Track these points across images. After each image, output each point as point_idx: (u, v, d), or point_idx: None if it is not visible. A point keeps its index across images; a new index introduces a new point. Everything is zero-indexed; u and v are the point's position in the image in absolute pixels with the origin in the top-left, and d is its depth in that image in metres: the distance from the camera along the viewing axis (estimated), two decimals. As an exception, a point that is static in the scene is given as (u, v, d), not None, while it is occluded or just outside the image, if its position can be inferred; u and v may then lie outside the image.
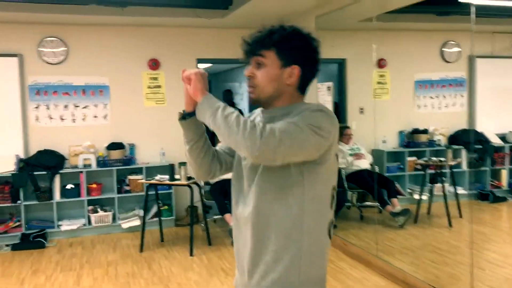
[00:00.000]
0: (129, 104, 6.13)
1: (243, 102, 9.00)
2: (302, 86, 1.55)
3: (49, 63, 5.83)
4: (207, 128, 1.59)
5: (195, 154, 1.64)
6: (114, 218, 5.84)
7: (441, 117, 6.41)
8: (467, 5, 5.04)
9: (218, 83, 10.93)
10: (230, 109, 1.42)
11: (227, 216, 5.31)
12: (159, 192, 5.68)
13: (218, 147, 1.74)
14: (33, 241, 5.32)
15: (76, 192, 5.69)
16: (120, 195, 5.86)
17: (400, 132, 6.29)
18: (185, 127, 1.63)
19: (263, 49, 1.49)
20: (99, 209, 5.78)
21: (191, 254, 4.85)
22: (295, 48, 1.50)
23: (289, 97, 1.53)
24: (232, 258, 4.76)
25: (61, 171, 5.63)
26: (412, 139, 6.23)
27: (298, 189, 1.46)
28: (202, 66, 7.48)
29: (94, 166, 5.76)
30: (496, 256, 4.54)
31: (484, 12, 5.13)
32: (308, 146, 1.38)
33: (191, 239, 4.91)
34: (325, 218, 1.53)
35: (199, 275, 4.28)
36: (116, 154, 5.88)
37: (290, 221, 1.46)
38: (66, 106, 5.89)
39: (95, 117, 6.00)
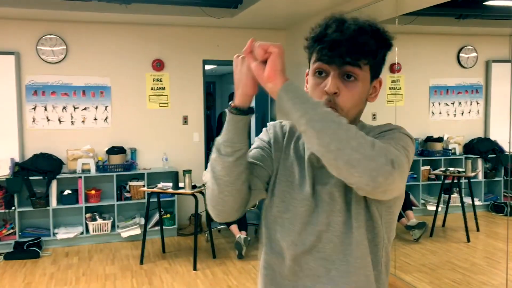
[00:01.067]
0: (131, 106, 5.83)
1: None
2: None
3: (47, 62, 5.53)
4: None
5: (237, 172, 1.12)
6: (113, 227, 5.54)
7: (456, 124, 6.13)
8: (487, 8, 4.76)
9: (223, 85, 10.64)
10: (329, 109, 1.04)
11: (233, 227, 5.01)
12: (161, 199, 5.39)
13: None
14: (27, 250, 5.02)
15: (73, 198, 5.39)
16: (120, 202, 5.57)
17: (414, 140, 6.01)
18: (237, 127, 1.13)
19: (363, 58, 1.12)
20: (97, 217, 5.48)
21: (194, 268, 4.55)
22: (384, 58, 1.19)
23: (360, 115, 1.25)
24: (238, 273, 4.46)
25: (58, 176, 5.34)
26: (426, 148, 5.96)
27: (379, 235, 1.17)
28: (208, 67, 7.20)
29: (93, 171, 5.46)
30: (522, 277, 4.23)
31: (503, 14, 4.87)
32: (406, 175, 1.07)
33: (195, 251, 4.60)
34: (390, 259, 1.26)
35: (204, 293, 3.98)
36: (116, 159, 5.58)
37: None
38: (64, 108, 5.60)
39: (95, 119, 5.70)
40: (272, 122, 1.36)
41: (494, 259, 4.63)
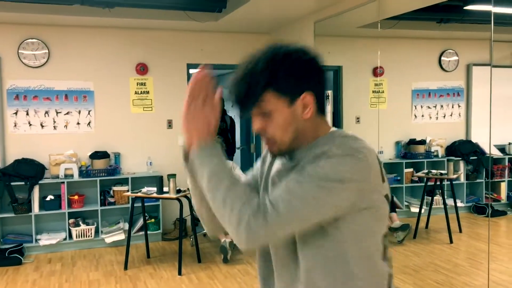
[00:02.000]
0: (115, 110, 5.79)
1: (233, 108, 8.76)
2: (320, 108, 1.24)
3: (29, 66, 5.47)
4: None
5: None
6: (97, 232, 5.49)
7: (439, 127, 6.22)
8: (468, 13, 4.83)
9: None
10: (223, 175, 1.15)
11: (218, 231, 4.99)
12: (146, 204, 5.35)
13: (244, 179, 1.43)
14: (8, 257, 4.94)
15: (56, 204, 5.33)
16: (103, 208, 5.52)
17: (397, 143, 6.09)
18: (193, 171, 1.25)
19: (258, 97, 1.17)
20: (81, 222, 5.42)
21: (179, 273, 4.53)
22: (293, 74, 1.17)
23: (313, 130, 1.23)
24: (223, 277, 4.45)
25: (40, 182, 5.27)
26: (409, 150, 6.03)
27: (338, 250, 1.17)
28: (193, 71, 7.19)
29: (76, 177, 5.40)
30: (504, 277, 4.30)
31: (484, 18, 4.96)
32: (319, 209, 1.11)
33: (179, 256, 4.58)
34: (381, 275, 1.22)
35: (189, 298, 3.96)
36: (100, 164, 5.53)
37: None
38: (47, 112, 5.53)
39: (78, 124, 5.65)
40: None
41: (476, 260, 4.70)
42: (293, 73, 1.17)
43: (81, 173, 5.44)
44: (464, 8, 4.45)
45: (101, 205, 5.50)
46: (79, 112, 5.64)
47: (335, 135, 1.23)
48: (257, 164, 1.43)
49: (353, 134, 1.23)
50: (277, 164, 1.31)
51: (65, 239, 5.36)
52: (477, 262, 4.59)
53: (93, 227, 5.42)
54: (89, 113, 5.68)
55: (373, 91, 5.86)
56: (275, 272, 1.28)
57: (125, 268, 4.71)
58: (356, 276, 1.17)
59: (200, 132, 1.18)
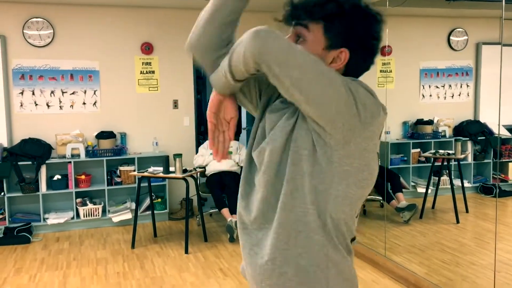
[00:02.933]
0: (120, 90, 5.77)
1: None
2: (351, 72, 1.20)
3: (34, 46, 5.44)
4: None
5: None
6: (104, 211, 5.52)
7: (447, 107, 6.15)
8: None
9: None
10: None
11: (224, 211, 5.01)
12: (152, 184, 5.37)
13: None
14: (17, 235, 4.99)
15: (63, 183, 5.36)
16: (110, 187, 5.54)
17: (404, 123, 6.04)
18: None
19: (309, 20, 1.15)
20: (88, 202, 5.45)
21: (186, 252, 4.56)
22: (349, 27, 1.14)
23: None
24: (229, 256, 4.47)
25: (47, 161, 5.29)
26: (416, 130, 5.98)
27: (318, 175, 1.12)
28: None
29: (82, 156, 5.42)
30: (511, 257, 4.29)
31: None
32: (334, 88, 1.05)
33: (186, 235, 4.61)
34: (349, 230, 1.22)
35: (195, 276, 3.99)
36: (106, 144, 5.54)
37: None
38: (52, 92, 5.52)
39: (84, 104, 5.64)
40: None
41: (483, 239, 4.69)
42: (349, 26, 1.14)
43: (88, 153, 5.46)
44: None
45: (108, 185, 5.52)
46: (85, 92, 5.63)
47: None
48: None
49: None
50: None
51: (72, 218, 5.40)
52: (483, 242, 4.58)
53: (100, 207, 5.46)
54: (94, 93, 5.66)
55: (381, 71, 5.80)
56: (256, 193, 1.25)
57: (132, 247, 4.74)
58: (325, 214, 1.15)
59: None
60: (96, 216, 5.44)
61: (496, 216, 4.19)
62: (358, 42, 1.16)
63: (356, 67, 1.19)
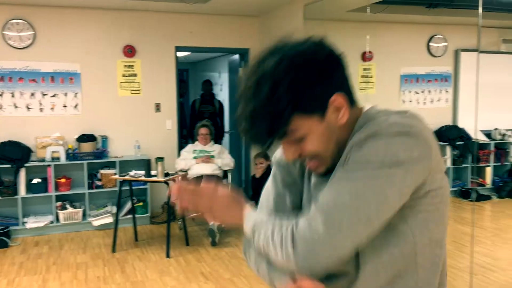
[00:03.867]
0: (102, 93, 5.73)
1: (222, 92, 8.69)
2: (352, 99, 1.04)
3: (14, 48, 5.38)
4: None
5: None
6: (84, 215, 5.47)
7: (426, 112, 6.26)
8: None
9: (196, 72, 10.56)
10: (264, 228, 1.00)
11: (206, 214, 5.01)
12: (134, 187, 5.34)
13: None
14: (-5, 239, 4.91)
15: (43, 186, 5.29)
16: (91, 191, 5.49)
17: (385, 128, 6.12)
18: None
19: (287, 124, 0.97)
20: (68, 206, 5.40)
21: (167, 256, 4.54)
22: (315, 83, 0.97)
23: (349, 129, 1.03)
24: (211, 260, 4.47)
25: (26, 164, 5.22)
26: (397, 135, 6.06)
27: (406, 243, 1.00)
28: (181, 54, 7.12)
29: (63, 159, 5.36)
30: (487, 260, 4.38)
31: (472, 4, 4.96)
32: (380, 206, 0.92)
33: (167, 239, 4.59)
34: (443, 266, 1.09)
35: (177, 280, 3.98)
36: (87, 147, 5.49)
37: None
38: (33, 94, 5.46)
39: (65, 106, 5.59)
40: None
41: (460, 243, 4.77)
42: (314, 82, 0.97)
43: (68, 156, 5.40)
44: None
45: (88, 188, 5.47)
46: (66, 94, 5.58)
47: (373, 113, 1.03)
48: (276, 173, 1.20)
49: (396, 110, 1.04)
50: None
51: (52, 222, 5.33)
52: (461, 245, 4.67)
53: (80, 210, 5.41)
54: (75, 96, 5.61)
55: (362, 76, 5.88)
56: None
57: (113, 251, 4.71)
58: (419, 264, 1.02)
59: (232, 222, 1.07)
60: (76, 220, 5.39)
61: (473, 220, 4.28)
62: (331, 79, 1.01)
63: (348, 88, 1.04)
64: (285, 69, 0.95)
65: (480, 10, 3.40)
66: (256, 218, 1.04)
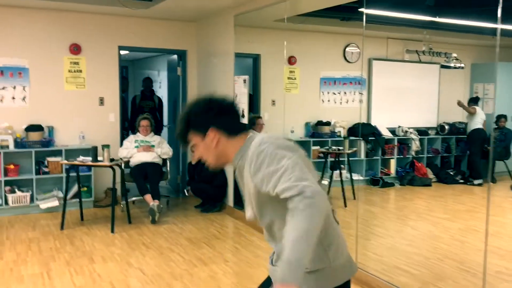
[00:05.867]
0: (49, 87, 6.20)
1: (161, 90, 9.26)
2: (230, 132, 1.68)
3: (-36, 42, 5.73)
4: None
5: None
6: (32, 200, 5.92)
7: (342, 111, 7.22)
8: (366, 14, 5.77)
9: (135, 70, 11.03)
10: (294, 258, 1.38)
11: (147, 196, 5.66)
12: (75, 174, 5.84)
13: None
14: None
15: (-8, 172, 5.69)
16: (38, 177, 5.95)
17: (307, 124, 6.98)
18: None
19: (187, 135, 1.70)
20: (16, 190, 5.83)
21: (112, 231, 5.15)
22: (198, 118, 1.67)
23: (231, 148, 1.69)
24: (151, 234, 5.13)
25: (-24, 152, 5.60)
26: (316, 130, 6.95)
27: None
28: (124, 52, 7.64)
29: (12, 147, 5.79)
30: (380, 230, 5.38)
31: (379, 19, 5.93)
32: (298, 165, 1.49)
33: (112, 216, 5.20)
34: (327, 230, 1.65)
35: (121, 249, 4.61)
36: (34, 136, 5.94)
37: None
38: (-18, 87, 5.84)
39: (13, 98, 6.01)
40: None
41: (363, 218, 5.73)
42: (198, 117, 1.67)
43: (17, 144, 5.83)
44: (359, 10, 5.27)
45: (36, 175, 5.93)
46: (14, 87, 6.00)
47: (249, 140, 1.66)
48: None
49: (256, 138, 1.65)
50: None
51: (1, 205, 5.75)
52: (363, 220, 5.63)
53: (28, 194, 5.86)
54: (24, 89, 6.05)
55: (288, 78, 6.69)
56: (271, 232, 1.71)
57: (62, 228, 5.24)
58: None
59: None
60: (24, 203, 5.84)
61: (377, 202, 5.21)
62: (210, 119, 1.67)
63: (227, 125, 1.69)
64: (191, 107, 1.71)
65: (364, 23, 4.27)
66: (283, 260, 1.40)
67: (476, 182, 6.35)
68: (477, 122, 6.27)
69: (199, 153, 1.72)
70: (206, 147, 1.67)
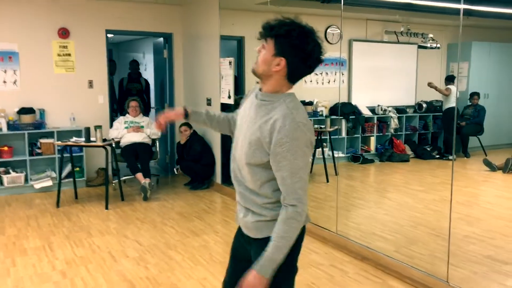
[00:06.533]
0: (39, 70, 6.36)
1: (146, 72, 9.42)
2: (291, 77, 1.74)
3: (-46, 27, 5.84)
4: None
5: (215, 130, 2.17)
6: (26, 180, 6.13)
7: (324, 91, 7.50)
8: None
9: (120, 52, 11.14)
10: (277, 247, 1.71)
11: (138, 175, 5.91)
12: (69, 155, 6.06)
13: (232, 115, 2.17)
14: None
15: (-14, 154, 5.87)
16: (31, 158, 6.15)
17: (290, 104, 7.24)
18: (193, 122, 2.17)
19: (268, 36, 1.73)
20: (11, 171, 6.03)
21: (106, 208, 5.41)
22: (287, 44, 1.69)
23: (276, 82, 1.76)
24: (144, 210, 5.41)
25: (-29, 134, 5.77)
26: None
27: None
28: (111, 35, 7.77)
29: (4, 130, 5.96)
30: (359, 202, 5.74)
31: (357, 2, 6.19)
32: (309, 163, 1.75)
33: (106, 193, 5.45)
34: None
35: (117, 223, 4.89)
36: (26, 119, 6.12)
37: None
38: (-27, 71, 5.98)
39: (4, 82, 6.16)
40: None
41: (345, 192, 6.08)
42: (288, 43, 1.68)
43: (10, 127, 6.01)
44: None
45: (29, 156, 6.13)
46: (5, 71, 6.15)
47: (287, 102, 1.74)
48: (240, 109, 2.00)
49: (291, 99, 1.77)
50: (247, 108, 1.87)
51: (-4, 185, 5.96)
52: (344, 193, 5.98)
53: (22, 175, 6.06)
54: (14, 73, 6.20)
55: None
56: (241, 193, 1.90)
57: (57, 206, 5.48)
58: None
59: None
60: (19, 183, 6.04)
61: (358, 176, 5.54)
62: (293, 55, 1.69)
63: (294, 71, 1.73)
64: (289, 26, 1.71)
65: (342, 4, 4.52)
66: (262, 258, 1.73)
67: (450, 157, 6.75)
68: (452, 101, 6.64)
69: (260, 55, 1.76)
70: (267, 60, 1.73)
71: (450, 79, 6.82)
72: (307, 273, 3.63)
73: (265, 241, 1.77)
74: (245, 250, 1.98)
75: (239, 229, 2.02)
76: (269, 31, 1.72)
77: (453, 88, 6.62)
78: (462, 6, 3.31)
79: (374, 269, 3.75)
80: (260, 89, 1.84)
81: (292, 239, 1.72)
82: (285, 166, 1.68)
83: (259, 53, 1.77)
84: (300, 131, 1.67)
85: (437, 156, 6.95)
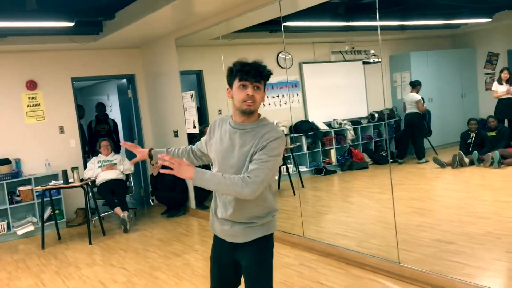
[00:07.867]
0: (11, 122, 6.69)
1: (112, 113, 9.81)
2: None
3: None
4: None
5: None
6: (8, 227, 6.38)
7: (283, 112, 8.07)
8: (289, 27, 6.53)
9: (83, 96, 11.50)
10: (218, 176, 2.11)
11: (117, 209, 6.27)
12: (49, 198, 6.36)
13: (195, 146, 2.62)
14: None
15: (-32, 207, 6.12)
16: (12, 206, 6.42)
17: (252, 127, 7.74)
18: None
19: (262, 79, 2.19)
20: (-7, 221, 6.29)
21: (90, 243, 5.74)
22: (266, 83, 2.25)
23: (257, 113, 2.27)
24: (126, 241, 5.76)
25: (-49, 190, 6.02)
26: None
27: None
28: (77, 83, 8.17)
29: (-17, 182, 6.24)
30: (324, 208, 6.26)
31: (301, 29, 6.81)
32: (276, 169, 2.17)
33: (88, 229, 5.79)
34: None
35: (102, 255, 5.23)
36: (3, 169, 6.42)
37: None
38: None
39: (-21, 137, 6.46)
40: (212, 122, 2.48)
41: (311, 202, 6.58)
42: (265, 83, 2.22)
43: (-12, 179, 6.29)
44: (284, 24, 6.08)
45: (9, 204, 6.40)
46: (-22, 126, 6.46)
47: (269, 125, 2.24)
48: (204, 139, 2.49)
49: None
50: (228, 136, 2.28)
51: (-20, 236, 6.19)
52: (311, 203, 6.48)
53: (4, 223, 6.32)
54: (-13, 127, 6.52)
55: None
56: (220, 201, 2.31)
57: (42, 247, 5.77)
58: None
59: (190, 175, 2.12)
60: (1, 232, 6.30)
61: (321, 187, 6.03)
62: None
63: None
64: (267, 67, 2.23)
65: (283, 32, 5.08)
66: (206, 172, 2.14)
67: (400, 160, 7.42)
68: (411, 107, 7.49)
69: (258, 96, 2.19)
70: (262, 97, 2.21)
71: (414, 85, 7.57)
72: (280, 274, 4.08)
73: (252, 243, 2.24)
74: (228, 256, 2.39)
75: (217, 239, 2.44)
76: (263, 74, 2.17)
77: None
78: (379, 23, 3.89)
79: (338, 262, 4.25)
80: (233, 120, 2.30)
81: (224, 191, 2.13)
82: (265, 154, 2.12)
83: (251, 95, 2.15)
84: (282, 140, 2.18)
85: (391, 160, 7.57)
